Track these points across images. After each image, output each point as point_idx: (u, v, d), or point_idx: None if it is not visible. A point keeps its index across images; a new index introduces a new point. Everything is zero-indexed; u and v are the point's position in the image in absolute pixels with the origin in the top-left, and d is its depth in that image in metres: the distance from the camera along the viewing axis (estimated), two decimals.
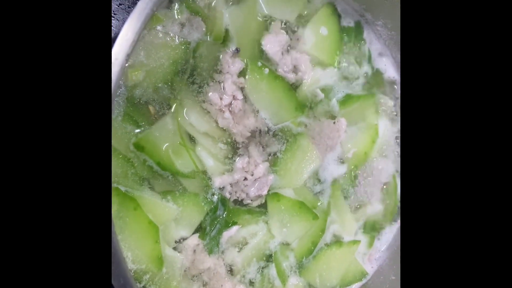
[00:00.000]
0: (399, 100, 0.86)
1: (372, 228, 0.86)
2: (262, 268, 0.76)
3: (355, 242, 0.83)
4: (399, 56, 0.84)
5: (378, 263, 0.86)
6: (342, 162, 0.81)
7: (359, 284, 0.85)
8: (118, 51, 0.47)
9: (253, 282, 0.75)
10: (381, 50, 0.86)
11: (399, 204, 0.87)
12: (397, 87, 0.86)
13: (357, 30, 0.83)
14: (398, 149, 0.86)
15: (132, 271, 0.64)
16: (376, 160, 0.85)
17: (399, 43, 0.82)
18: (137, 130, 0.65)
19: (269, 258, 0.76)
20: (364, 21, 0.84)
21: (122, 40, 0.47)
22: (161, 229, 0.67)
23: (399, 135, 0.87)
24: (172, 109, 0.67)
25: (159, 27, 0.65)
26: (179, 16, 0.67)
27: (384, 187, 0.86)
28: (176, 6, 0.67)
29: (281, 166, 0.75)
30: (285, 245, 0.77)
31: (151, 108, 0.66)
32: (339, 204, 0.80)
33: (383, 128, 0.85)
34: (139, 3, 0.48)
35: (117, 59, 0.46)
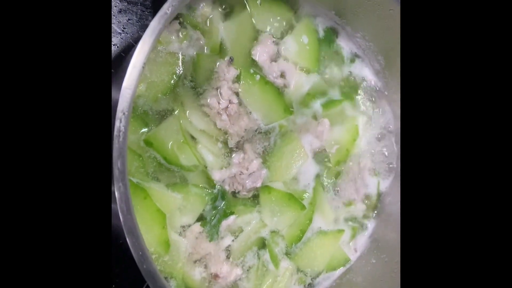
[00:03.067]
0: (377, 104, 0.96)
1: (355, 221, 0.94)
2: (257, 253, 0.84)
3: (340, 231, 0.91)
4: (377, 64, 0.93)
5: (360, 250, 0.94)
6: (327, 159, 0.89)
7: (343, 268, 0.93)
8: (136, 61, 0.56)
9: (249, 265, 0.83)
10: (361, 59, 0.94)
11: (380, 198, 0.96)
12: (375, 93, 0.96)
13: (336, 39, 0.92)
14: (378, 148, 0.96)
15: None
16: (358, 158, 0.93)
17: (376, 53, 0.92)
18: (145, 129, 0.74)
19: (262, 244, 0.84)
20: (345, 33, 0.92)
21: (139, 51, 0.56)
22: (168, 217, 0.74)
23: (379, 136, 0.96)
24: (176, 112, 0.76)
25: (160, 48, 0.74)
26: (181, 32, 0.76)
27: (366, 186, 0.94)
28: (178, 22, 0.76)
29: (272, 162, 0.83)
30: (276, 232, 0.85)
31: None
32: (321, 197, 0.89)
33: (362, 128, 0.93)
34: (152, 22, 0.57)
35: (135, 67, 0.56)
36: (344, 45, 0.94)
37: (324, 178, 0.90)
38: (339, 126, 0.90)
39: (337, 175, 0.91)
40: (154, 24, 0.57)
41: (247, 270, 0.83)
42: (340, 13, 0.89)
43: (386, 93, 0.95)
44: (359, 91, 0.94)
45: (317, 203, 0.88)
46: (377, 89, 0.96)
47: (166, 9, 0.59)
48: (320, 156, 0.89)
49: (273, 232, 0.85)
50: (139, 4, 0.84)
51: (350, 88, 0.93)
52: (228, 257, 0.81)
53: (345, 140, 0.91)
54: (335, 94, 0.91)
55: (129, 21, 0.83)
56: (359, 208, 0.93)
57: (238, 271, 0.81)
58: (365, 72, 0.95)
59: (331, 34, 0.92)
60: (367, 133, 0.94)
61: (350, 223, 0.93)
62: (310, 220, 0.88)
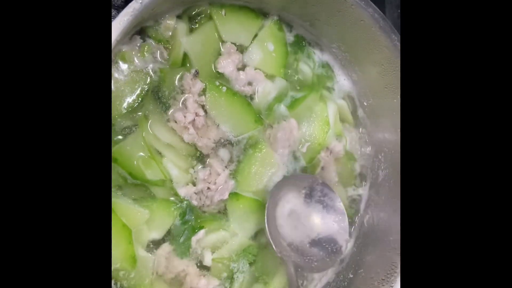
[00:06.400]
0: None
1: None
2: (234, 263, 0.82)
3: None
4: (354, 74, 0.93)
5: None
6: (297, 158, 0.88)
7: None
8: None
9: (225, 276, 0.81)
10: (336, 68, 0.94)
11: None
12: (351, 95, 0.95)
13: (306, 46, 0.92)
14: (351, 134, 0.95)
15: None
16: (328, 146, 0.91)
17: (352, 63, 0.91)
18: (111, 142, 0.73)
19: (238, 254, 0.82)
20: (322, 44, 0.92)
21: None
22: (134, 232, 0.74)
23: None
24: (141, 127, 0.75)
25: (124, 66, 0.74)
26: (143, 46, 0.76)
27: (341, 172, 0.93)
28: (140, 37, 0.76)
29: (241, 172, 0.82)
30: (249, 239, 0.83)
31: None
32: None
33: (333, 116, 0.91)
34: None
35: None
36: (320, 55, 0.93)
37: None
38: (308, 122, 0.88)
39: (313, 169, 0.89)
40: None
41: (224, 281, 0.81)
42: (314, 24, 0.89)
43: (365, 103, 0.94)
44: (329, 88, 0.93)
45: None
46: (356, 99, 0.95)
47: (117, 23, 0.59)
48: (291, 157, 0.87)
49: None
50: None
51: (321, 85, 0.92)
52: (203, 270, 0.80)
53: (316, 135, 0.89)
54: (300, 94, 0.89)
55: None
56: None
57: (215, 282, 0.80)
58: (342, 82, 0.94)
59: (302, 39, 0.91)
60: (337, 120, 0.93)
61: None
62: None
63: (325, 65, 0.93)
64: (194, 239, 0.79)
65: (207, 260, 0.80)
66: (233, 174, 0.82)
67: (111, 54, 0.58)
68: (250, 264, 0.83)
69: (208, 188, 0.79)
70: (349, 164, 0.94)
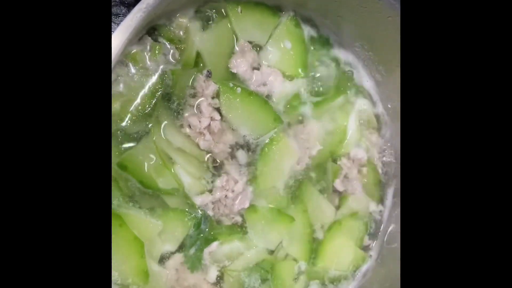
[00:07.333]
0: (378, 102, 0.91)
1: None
2: (246, 277, 0.78)
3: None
4: (378, 74, 0.88)
5: (366, 274, 0.89)
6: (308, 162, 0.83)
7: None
8: None
9: None
10: (359, 68, 0.89)
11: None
12: (374, 97, 0.90)
13: (327, 44, 0.87)
14: (373, 141, 0.90)
15: (118, 285, 0.68)
16: (348, 153, 0.87)
17: (376, 62, 0.86)
18: (119, 152, 0.69)
19: (250, 267, 0.78)
20: (344, 42, 0.87)
21: None
22: (147, 244, 0.70)
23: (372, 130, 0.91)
24: (153, 133, 0.71)
25: (134, 69, 0.70)
26: (154, 47, 0.71)
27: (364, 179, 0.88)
28: (151, 37, 0.72)
29: (259, 169, 0.77)
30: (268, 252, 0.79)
31: None
32: (313, 198, 0.83)
33: (354, 122, 0.87)
34: (115, 32, 0.53)
35: None
36: (343, 54, 0.88)
37: (310, 179, 0.83)
38: (326, 126, 0.85)
39: (335, 174, 0.85)
40: (116, 34, 0.53)
41: None
42: (335, 22, 0.84)
43: (389, 105, 0.89)
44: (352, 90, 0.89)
45: (310, 208, 0.82)
46: (379, 101, 0.90)
47: (129, 20, 0.55)
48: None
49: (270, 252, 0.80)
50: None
51: (344, 86, 0.88)
52: (216, 284, 0.76)
53: (330, 141, 0.84)
54: (324, 95, 0.85)
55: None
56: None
57: None
58: (365, 83, 0.90)
59: (323, 37, 0.87)
60: (359, 127, 0.88)
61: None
62: (311, 226, 0.82)
63: (347, 65, 0.89)
64: (206, 251, 0.75)
65: (211, 275, 0.76)
66: (251, 179, 0.77)
67: (111, 56, 0.55)
68: (263, 280, 0.79)
69: (226, 196, 0.74)
70: (372, 171, 0.89)
